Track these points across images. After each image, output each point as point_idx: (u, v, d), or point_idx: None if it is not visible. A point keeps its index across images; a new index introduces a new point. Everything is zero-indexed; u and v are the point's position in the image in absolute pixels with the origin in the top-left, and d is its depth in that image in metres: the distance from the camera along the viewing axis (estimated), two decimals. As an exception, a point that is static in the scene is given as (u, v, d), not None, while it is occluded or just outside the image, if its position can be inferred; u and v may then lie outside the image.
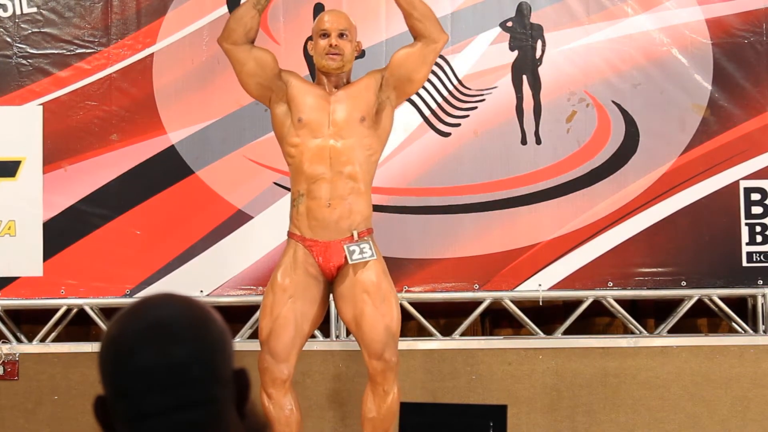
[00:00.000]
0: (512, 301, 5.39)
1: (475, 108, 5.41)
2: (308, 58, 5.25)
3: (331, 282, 4.29)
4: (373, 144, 4.29)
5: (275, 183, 5.34)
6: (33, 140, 5.36)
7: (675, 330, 5.43)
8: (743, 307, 5.49)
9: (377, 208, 5.27)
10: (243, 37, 4.25)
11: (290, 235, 4.31)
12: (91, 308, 5.35)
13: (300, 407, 4.33)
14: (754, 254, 5.39)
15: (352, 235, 4.24)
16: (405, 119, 5.37)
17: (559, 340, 5.37)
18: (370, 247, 4.24)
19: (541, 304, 5.45)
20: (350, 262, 4.21)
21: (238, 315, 5.38)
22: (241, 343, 5.28)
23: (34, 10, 5.41)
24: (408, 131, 5.38)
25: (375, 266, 4.25)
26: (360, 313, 4.22)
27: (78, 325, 5.48)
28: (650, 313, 5.59)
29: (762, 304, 5.40)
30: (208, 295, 5.33)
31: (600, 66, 5.43)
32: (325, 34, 4.29)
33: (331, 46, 4.27)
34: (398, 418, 3.97)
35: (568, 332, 5.40)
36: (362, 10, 5.27)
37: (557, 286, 5.38)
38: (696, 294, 5.40)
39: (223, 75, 5.23)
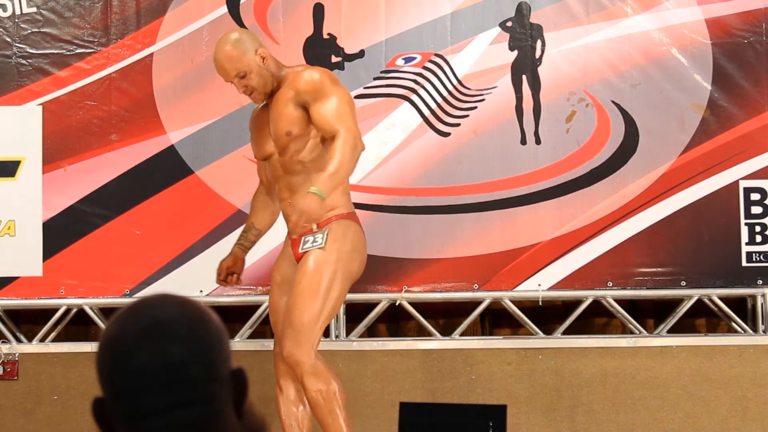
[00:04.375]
0: (512, 301, 5.39)
1: (475, 108, 5.41)
2: (307, 58, 5.26)
3: None
4: (304, 138, 4.18)
5: (275, 183, 5.34)
6: (32, 140, 5.36)
7: (674, 330, 5.43)
8: (743, 307, 5.49)
9: (377, 208, 5.28)
10: None
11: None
12: (91, 308, 5.36)
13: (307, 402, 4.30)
14: (754, 254, 5.39)
15: (312, 228, 4.19)
16: (404, 119, 5.38)
17: (559, 340, 5.37)
18: (323, 236, 4.14)
19: (540, 304, 5.45)
20: (299, 251, 4.17)
21: (237, 315, 5.39)
22: (240, 343, 5.29)
23: (34, 10, 5.41)
24: (407, 131, 5.37)
25: (317, 254, 4.13)
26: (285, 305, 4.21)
27: (77, 325, 5.49)
28: (650, 313, 5.59)
29: (761, 304, 5.40)
30: (207, 294, 5.33)
31: (599, 66, 5.43)
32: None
33: (243, 92, 4.23)
34: (335, 407, 3.98)
35: (567, 332, 5.40)
36: (362, 9, 5.27)
37: (557, 286, 5.38)
38: (695, 294, 5.40)
39: (223, 75, 5.22)
